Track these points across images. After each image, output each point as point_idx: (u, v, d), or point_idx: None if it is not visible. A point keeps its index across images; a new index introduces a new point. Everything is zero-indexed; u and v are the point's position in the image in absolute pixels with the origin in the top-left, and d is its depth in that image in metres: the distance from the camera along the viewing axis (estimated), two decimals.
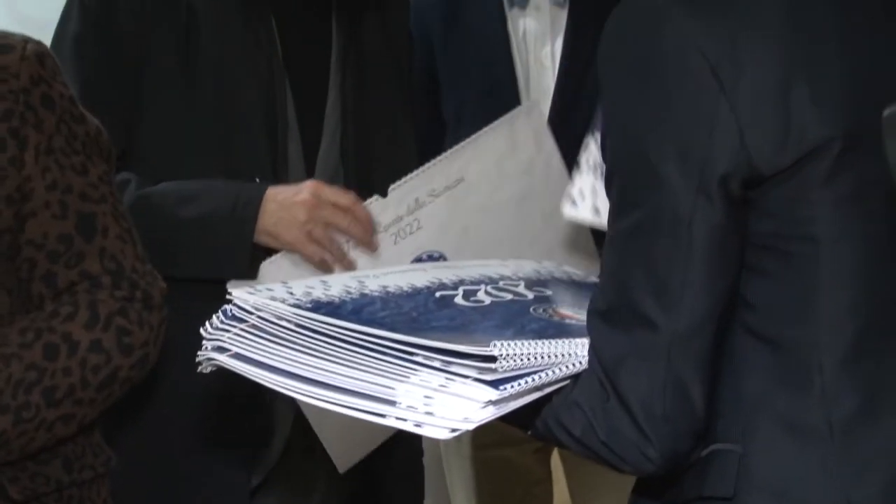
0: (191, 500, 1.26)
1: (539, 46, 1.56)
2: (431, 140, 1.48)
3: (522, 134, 1.31)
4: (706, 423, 0.72)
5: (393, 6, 1.37)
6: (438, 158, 1.27)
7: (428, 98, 1.57)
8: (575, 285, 0.97)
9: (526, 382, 0.68)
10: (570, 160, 1.24)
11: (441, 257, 1.25)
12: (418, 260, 1.23)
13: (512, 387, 0.67)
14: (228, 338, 0.78)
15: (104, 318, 0.91)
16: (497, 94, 1.53)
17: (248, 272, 1.21)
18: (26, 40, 0.93)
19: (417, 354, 0.69)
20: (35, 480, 0.91)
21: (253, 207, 1.21)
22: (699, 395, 0.70)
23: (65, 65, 1.03)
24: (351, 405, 0.70)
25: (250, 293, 0.79)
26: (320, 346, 0.73)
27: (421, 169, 1.26)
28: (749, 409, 0.73)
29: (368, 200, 1.22)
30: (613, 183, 0.75)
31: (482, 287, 0.87)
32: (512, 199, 1.30)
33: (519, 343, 0.69)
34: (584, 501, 1.74)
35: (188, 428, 1.25)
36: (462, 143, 1.28)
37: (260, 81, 1.24)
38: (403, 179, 1.24)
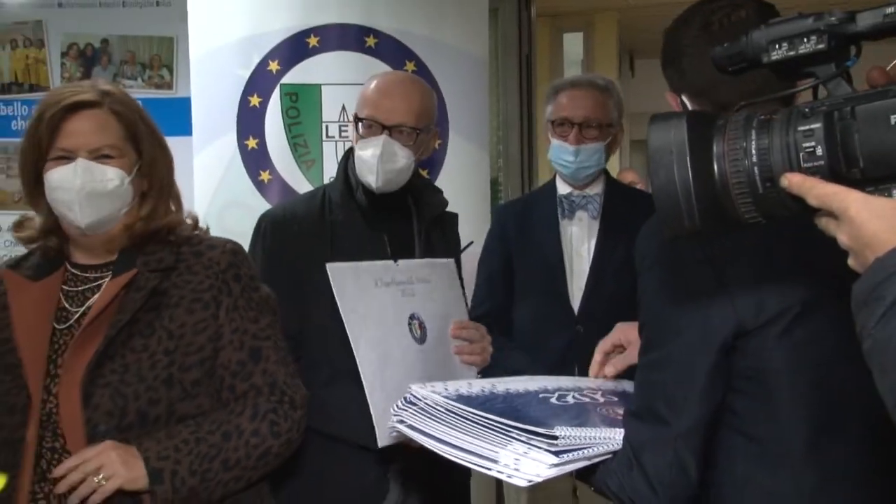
0: None
1: (579, 244, 2.24)
2: (506, 305, 2.22)
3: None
4: (699, 490, 1.08)
5: (448, 225, 1.95)
6: (427, 261, 1.82)
7: (504, 278, 2.24)
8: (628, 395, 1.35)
9: (576, 454, 1.07)
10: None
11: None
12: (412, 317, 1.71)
13: (567, 456, 1.05)
14: (406, 416, 1.22)
15: (261, 414, 1.35)
16: (550, 274, 2.21)
17: None
18: (227, 241, 1.46)
19: (513, 432, 1.08)
20: None
21: None
22: (694, 470, 1.06)
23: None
24: (471, 461, 1.10)
25: (420, 388, 1.23)
26: (458, 423, 1.14)
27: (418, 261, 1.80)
28: (740, 484, 1.09)
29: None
30: (643, 331, 1.14)
31: (571, 393, 1.27)
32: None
33: (574, 429, 1.08)
34: None
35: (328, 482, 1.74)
36: (432, 261, 1.82)
37: None
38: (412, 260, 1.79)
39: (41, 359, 1.33)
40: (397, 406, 1.25)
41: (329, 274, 1.63)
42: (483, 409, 1.15)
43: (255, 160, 2.51)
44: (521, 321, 2.22)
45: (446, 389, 1.23)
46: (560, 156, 2.19)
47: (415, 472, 1.76)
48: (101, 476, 1.24)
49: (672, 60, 1.18)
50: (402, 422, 1.22)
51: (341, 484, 1.75)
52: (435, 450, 1.16)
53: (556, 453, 1.06)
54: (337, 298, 1.61)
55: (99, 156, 1.36)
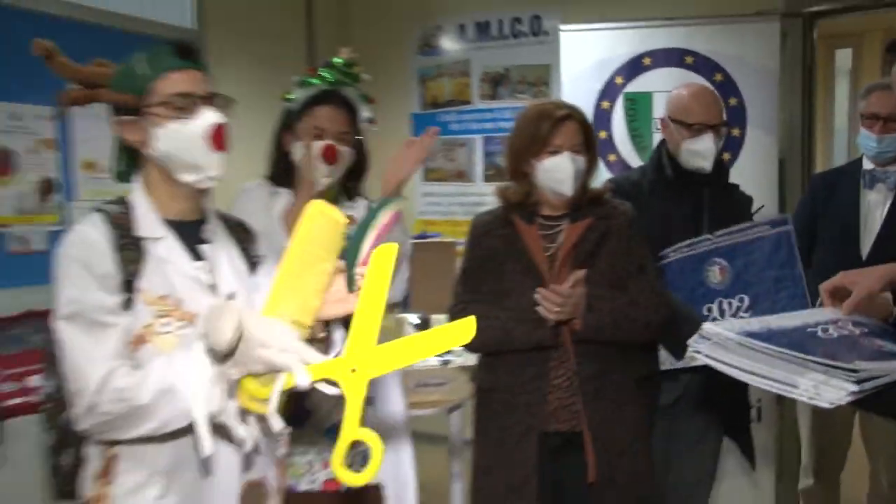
0: None
1: (875, 209, 2.77)
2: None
3: None
4: None
5: (734, 195, 2.57)
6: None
7: (807, 233, 2.75)
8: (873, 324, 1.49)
9: (872, 384, 1.22)
10: None
11: None
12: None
13: (865, 385, 1.22)
14: (703, 348, 1.42)
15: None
16: (846, 231, 2.76)
17: None
18: (623, 203, 2.25)
19: (809, 363, 1.26)
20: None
21: None
22: None
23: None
24: (772, 386, 1.28)
25: (712, 326, 1.44)
26: (755, 354, 1.34)
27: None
28: None
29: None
30: None
31: (829, 327, 1.44)
32: None
33: (870, 363, 1.25)
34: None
35: None
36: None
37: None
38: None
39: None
40: (694, 341, 1.46)
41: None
42: (773, 343, 1.35)
43: (605, 147, 3.47)
44: (817, 268, 2.65)
45: (733, 326, 1.45)
46: (866, 143, 2.78)
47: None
48: None
49: None
50: (698, 353, 1.45)
51: None
52: (735, 376, 1.38)
53: (857, 382, 1.23)
54: None
55: (576, 150, 2.14)
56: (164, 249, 1.64)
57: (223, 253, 1.75)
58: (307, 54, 4.19)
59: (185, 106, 1.59)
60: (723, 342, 1.40)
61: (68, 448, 1.64)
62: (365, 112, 2.31)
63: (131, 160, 1.70)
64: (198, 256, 1.70)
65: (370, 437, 1.30)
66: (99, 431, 1.50)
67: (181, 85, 1.60)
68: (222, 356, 1.38)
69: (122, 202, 1.68)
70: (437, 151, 4.01)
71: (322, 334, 1.52)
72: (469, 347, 2.23)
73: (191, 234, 1.71)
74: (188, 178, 1.64)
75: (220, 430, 1.46)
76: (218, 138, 1.61)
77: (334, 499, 2.14)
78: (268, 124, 2.28)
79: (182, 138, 1.60)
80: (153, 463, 1.53)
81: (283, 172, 2.27)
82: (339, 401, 1.47)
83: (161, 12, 3.48)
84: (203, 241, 1.73)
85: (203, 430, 1.40)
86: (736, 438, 2.60)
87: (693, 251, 2.42)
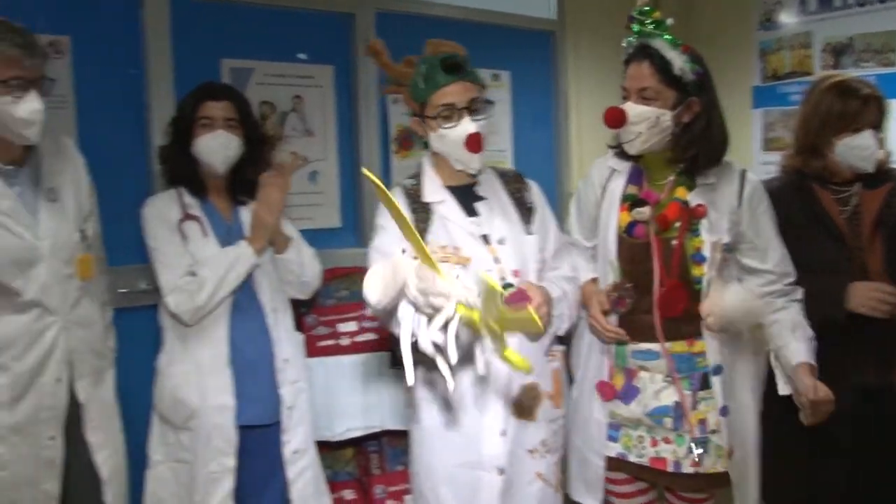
0: None
1: None
2: None
3: None
4: None
5: None
6: None
7: None
8: None
9: None
10: None
11: None
12: None
13: None
14: None
15: None
16: None
17: None
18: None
19: None
20: None
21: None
22: None
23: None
24: None
25: None
26: None
27: None
28: None
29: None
30: None
31: None
32: None
33: None
34: None
35: None
36: None
37: None
38: None
39: None
40: None
41: None
42: None
43: None
44: None
45: None
46: None
47: None
48: None
49: None
50: None
51: None
52: None
53: None
54: None
55: (877, 127, 2.33)
56: (445, 209, 2.28)
57: (497, 205, 2.34)
58: None
59: (450, 115, 2.19)
60: None
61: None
62: (678, 60, 2.22)
63: (426, 144, 2.35)
64: (473, 212, 2.31)
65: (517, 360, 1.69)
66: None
67: (448, 97, 2.19)
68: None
69: (416, 177, 2.34)
70: (776, 121, 4.14)
71: None
72: None
73: (467, 194, 2.32)
74: (458, 167, 2.25)
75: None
76: (473, 144, 2.19)
77: (656, 475, 2.39)
78: None
79: (448, 142, 2.23)
80: None
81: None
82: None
83: (523, 6, 4.06)
84: (478, 198, 2.35)
85: (405, 355, 1.72)
86: None
87: None
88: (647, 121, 2.21)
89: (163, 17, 2.94)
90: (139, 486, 2.56)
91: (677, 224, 2.29)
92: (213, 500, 2.44)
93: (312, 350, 2.93)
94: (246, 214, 2.63)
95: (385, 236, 2.20)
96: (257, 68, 3.16)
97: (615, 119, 2.22)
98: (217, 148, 2.50)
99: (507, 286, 2.20)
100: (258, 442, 2.53)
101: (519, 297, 2.16)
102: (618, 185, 2.42)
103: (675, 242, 2.28)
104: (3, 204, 2.11)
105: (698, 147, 2.26)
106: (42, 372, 2.15)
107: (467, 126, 2.21)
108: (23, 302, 2.12)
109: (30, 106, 2.05)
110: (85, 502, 2.31)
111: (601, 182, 2.46)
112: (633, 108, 2.23)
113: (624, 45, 2.33)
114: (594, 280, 2.47)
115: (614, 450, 2.40)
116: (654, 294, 2.27)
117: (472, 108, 2.21)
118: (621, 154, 2.42)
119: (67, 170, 2.30)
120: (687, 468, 2.30)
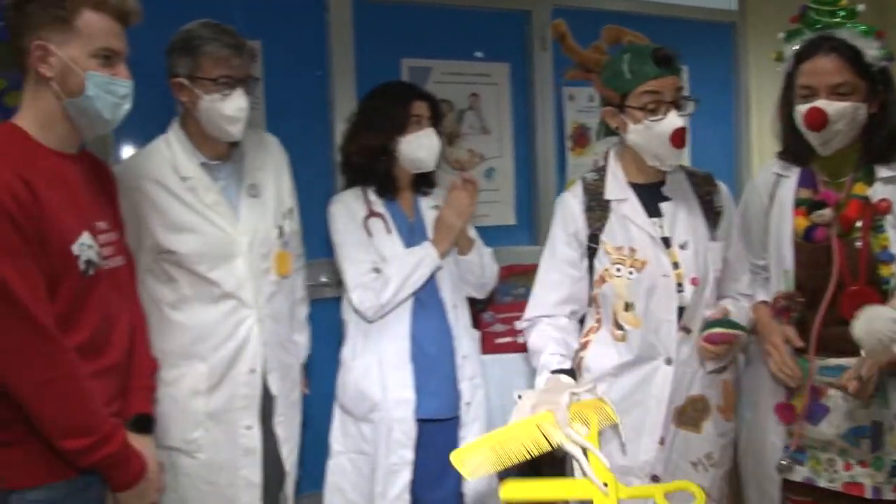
0: None
1: None
2: None
3: None
4: None
5: None
6: None
7: None
8: None
9: None
10: None
11: None
12: None
13: None
14: None
15: None
16: None
17: None
18: None
19: None
20: None
21: None
22: None
23: None
24: None
25: None
26: None
27: None
28: None
29: None
30: None
31: None
32: None
33: None
34: None
35: None
36: None
37: None
38: None
39: None
40: None
41: None
42: None
43: None
44: None
45: None
46: None
47: None
48: None
49: None
50: None
51: None
52: None
53: None
54: None
55: None
56: (627, 208, 2.19)
57: (683, 207, 2.22)
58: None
59: (656, 108, 2.09)
60: None
61: None
62: (870, 49, 2.10)
63: (610, 133, 2.27)
64: (656, 212, 2.20)
65: None
66: None
67: (657, 89, 2.09)
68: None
69: (599, 171, 2.28)
70: None
71: None
72: None
73: (652, 194, 2.21)
74: (652, 163, 2.16)
75: None
76: (678, 139, 2.09)
77: (853, 502, 2.17)
78: None
79: (651, 136, 2.12)
80: None
81: (796, 147, 2.24)
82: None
83: None
84: (664, 199, 2.23)
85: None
86: None
87: None
88: (846, 117, 2.09)
89: (346, 19, 3.05)
90: (321, 476, 2.63)
91: (858, 224, 2.15)
92: (392, 491, 2.49)
93: (488, 347, 2.93)
94: (426, 207, 2.66)
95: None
96: (435, 67, 3.23)
97: (818, 121, 2.08)
98: (430, 145, 2.57)
99: (710, 325, 2.16)
100: (436, 436, 2.56)
101: (719, 339, 2.14)
102: (788, 191, 2.29)
103: (859, 244, 2.14)
104: (208, 197, 2.22)
105: (887, 137, 2.14)
106: (237, 362, 2.22)
107: (674, 120, 2.13)
108: (220, 293, 2.21)
109: (236, 104, 2.14)
110: (275, 491, 2.40)
111: (768, 190, 2.34)
112: (831, 107, 2.08)
113: (781, 36, 2.25)
114: (765, 303, 2.34)
115: (800, 474, 2.24)
116: (824, 300, 2.14)
117: (678, 103, 2.13)
118: (790, 157, 2.29)
119: (269, 166, 2.40)
120: (888, 494, 2.13)
